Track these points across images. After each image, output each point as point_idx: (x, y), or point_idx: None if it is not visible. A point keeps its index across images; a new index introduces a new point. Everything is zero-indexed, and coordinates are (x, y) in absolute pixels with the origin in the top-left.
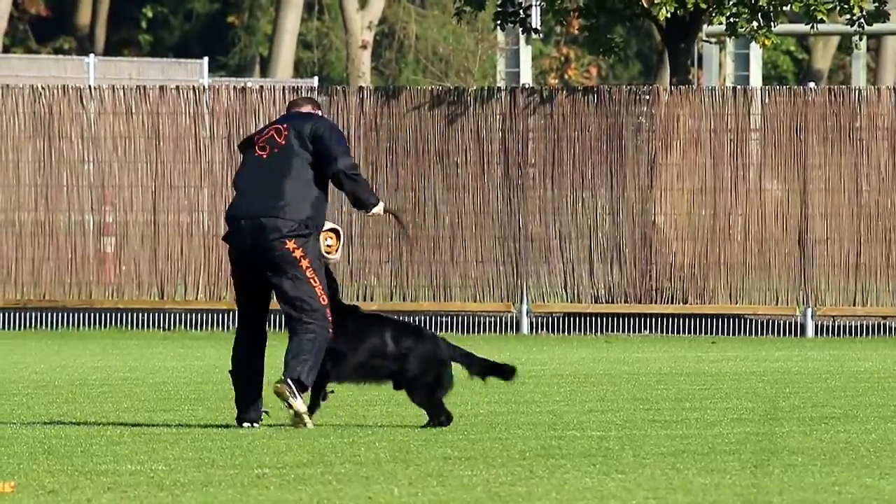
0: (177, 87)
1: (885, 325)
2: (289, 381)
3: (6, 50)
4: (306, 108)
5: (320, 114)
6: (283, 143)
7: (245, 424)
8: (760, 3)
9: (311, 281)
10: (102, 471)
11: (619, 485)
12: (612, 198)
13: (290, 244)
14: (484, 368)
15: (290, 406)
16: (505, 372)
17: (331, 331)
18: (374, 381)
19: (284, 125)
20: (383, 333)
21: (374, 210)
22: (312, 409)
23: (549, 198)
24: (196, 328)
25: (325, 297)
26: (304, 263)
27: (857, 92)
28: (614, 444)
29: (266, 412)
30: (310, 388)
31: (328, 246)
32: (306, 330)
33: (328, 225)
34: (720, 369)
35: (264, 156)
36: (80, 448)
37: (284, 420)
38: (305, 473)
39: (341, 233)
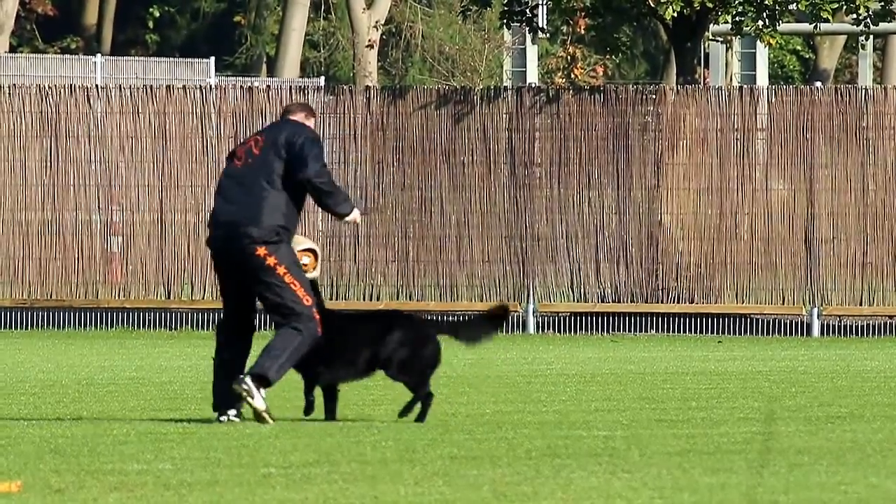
0: (183, 87)
1: (891, 324)
2: (247, 380)
3: (13, 49)
4: (297, 116)
5: (309, 123)
6: (258, 153)
7: (222, 418)
8: (766, 2)
9: (292, 286)
10: (109, 470)
11: (625, 484)
12: (619, 197)
13: (262, 251)
14: (472, 333)
15: (250, 405)
16: (493, 321)
17: (319, 329)
18: (368, 375)
19: (262, 136)
20: (367, 328)
21: (348, 219)
22: (308, 410)
23: (555, 197)
24: (202, 328)
25: (308, 297)
26: (280, 270)
27: (863, 91)
28: (620, 443)
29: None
30: (274, 384)
31: (304, 265)
32: (292, 328)
33: (305, 244)
34: (726, 369)
35: (239, 165)
36: (87, 447)
37: (289, 419)
38: (311, 473)
39: (318, 252)
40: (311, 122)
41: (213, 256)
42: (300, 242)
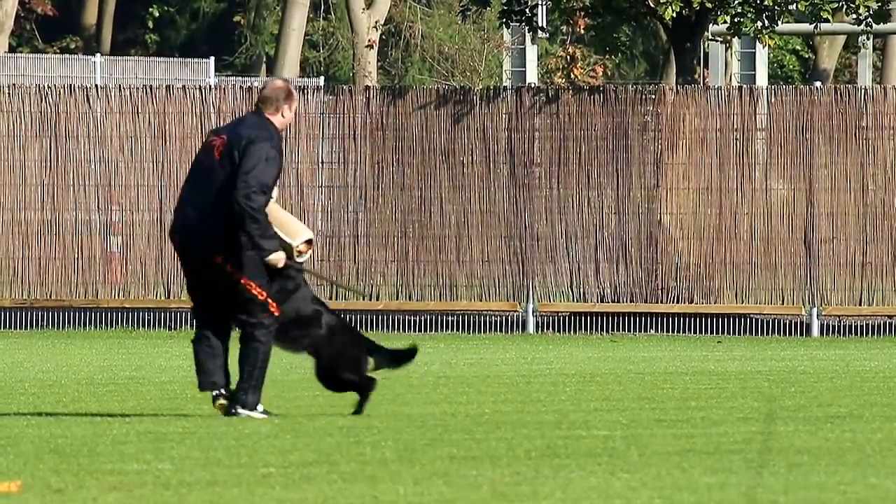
0: (183, 87)
1: (890, 324)
2: (233, 409)
3: (13, 49)
4: (269, 112)
5: (281, 115)
6: (217, 158)
7: (214, 393)
8: (765, 3)
9: (248, 286)
10: (108, 470)
11: (624, 484)
12: (618, 197)
13: (219, 259)
14: (389, 359)
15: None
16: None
17: (277, 317)
18: (302, 351)
19: (225, 137)
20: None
21: (268, 259)
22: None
23: (554, 197)
24: None
25: (263, 292)
26: (237, 276)
27: (863, 91)
28: (620, 443)
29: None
30: (256, 401)
31: (299, 252)
32: (253, 338)
33: (303, 237)
34: (725, 368)
35: (203, 162)
36: (86, 447)
37: (289, 418)
38: (311, 472)
39: (313, 240)
40: (283, 112)
41: (175, 249)
42: (298, 235)
